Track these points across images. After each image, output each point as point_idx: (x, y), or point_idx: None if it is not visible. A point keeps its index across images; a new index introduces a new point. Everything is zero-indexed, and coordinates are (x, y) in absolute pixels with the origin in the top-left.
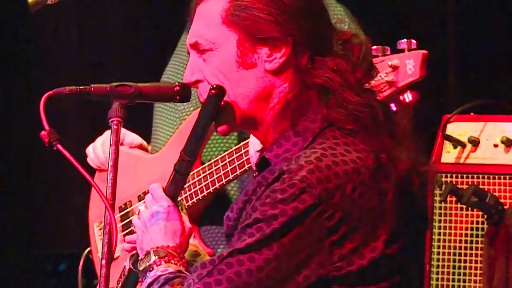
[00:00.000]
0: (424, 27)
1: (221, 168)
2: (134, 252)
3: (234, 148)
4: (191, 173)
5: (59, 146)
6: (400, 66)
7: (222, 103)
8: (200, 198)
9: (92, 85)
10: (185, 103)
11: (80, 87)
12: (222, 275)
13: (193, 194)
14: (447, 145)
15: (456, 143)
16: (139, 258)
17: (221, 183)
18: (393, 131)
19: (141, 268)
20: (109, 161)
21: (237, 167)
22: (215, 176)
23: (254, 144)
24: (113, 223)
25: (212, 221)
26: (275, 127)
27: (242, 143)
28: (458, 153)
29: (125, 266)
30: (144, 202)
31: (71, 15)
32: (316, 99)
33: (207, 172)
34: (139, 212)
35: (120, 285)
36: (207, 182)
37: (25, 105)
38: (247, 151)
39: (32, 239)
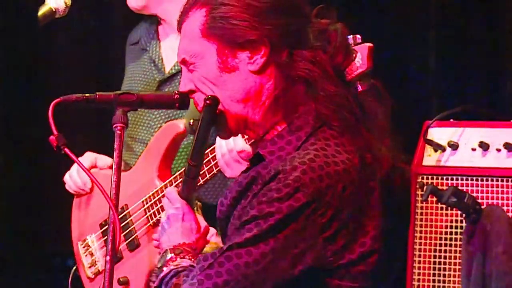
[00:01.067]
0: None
1: None
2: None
3: None
4: (160, 186)
5: (67, 150)
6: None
7: (218, 111)
8: None
9: (97, 93)
10: (157, 122)
11: (85, 94)
12: (222, 267)
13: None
14: (428, 149)
15: (437, 147)
16: (159, 257)
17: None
18: (370, 124)
19: (159, 265)
20: (113, 164)
21: (206, 172)
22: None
23: (220, 147)
24: (117, 222)
25: None
26: (266, 123)
27: (208, 150)
28: (439, 156)
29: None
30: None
31: (78, 28)
32: (303, 92)
33: (179, 180)
34: (158, 210)
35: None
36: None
37: (37, 110)
38: (214, 156)
39: (40, 236)
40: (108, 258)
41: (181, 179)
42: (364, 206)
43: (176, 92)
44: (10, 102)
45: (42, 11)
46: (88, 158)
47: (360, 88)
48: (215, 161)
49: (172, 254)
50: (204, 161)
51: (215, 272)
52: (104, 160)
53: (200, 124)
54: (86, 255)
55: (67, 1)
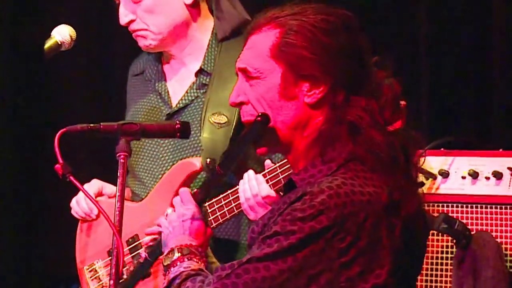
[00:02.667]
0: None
1: (210, 214)
2: (152, 243)
3: (222, 196)
4: None
5: (72, 178)
6: None
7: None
8: None
9: (101, 124)
10: (164, 153)
11: (90, 125)
12: (239, 279)
13: None
14: (420, 177)
15: (428, 175)
16: (164, 254)
17: (211, 226)
18: (411, 173)
19: (165, 264)
20: (116, 191)
21: (226, 212)
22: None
23: (244, 191)
24: (120, 247)
25: None
26: (306, 154)
27: (229, 191)
28: (430, 184)
29: (140, 253)
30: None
31: (82, 60)
32: (346, 133)
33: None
34: (166, 213)
35: (131, 268)
36: None
37: (44, 140)
38: (235, 198)
39: (44, 261)
40: (112, 282)
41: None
42: (384, 240)
43: (178, 121)
44: (16, 128)
45: (48, 44)
46: (95, 185)
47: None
48: (236, 203)
49: (179, 254)
50: (224, 202)
51: (232, 282)
52: (110, 187)
53: (243, 136)
54: (92, 280)
55: (73, 35)
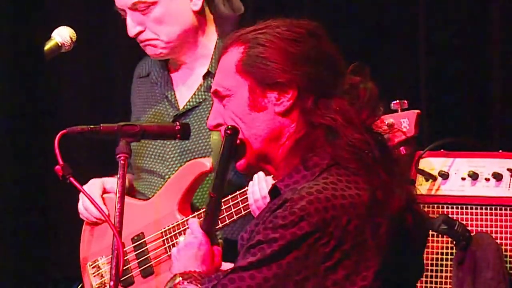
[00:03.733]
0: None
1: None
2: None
3: (230, 196)
4: (182, 220)
5: (72, 179)
6: (396, 124)
7: (238, 141)
8: None
9: (101, 125)
10: (171, 155)
11: (90, 126)
12: None
13: None
14: (420, 178)
15: (428, 176)
16: (168, 279)
17: (217, 226)
18: (391, 168)
19: (167, 287)
20: (116, 192)
21: (233, 213)
22: None
23: (253, 193)
24: (120, 248)
25: None
26: (286, 163)
27: (238, 192)
28: (430, 185)
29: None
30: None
31: (83, 61)
32: (323, 138)
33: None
34: (177, 242)
35: (135, 265)
36: None
37: (43, 140)
38: (244, 199)
39: (46, 261)
40: (112, 283)
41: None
42: (369, 241)
43: (178, 123)
44: (17, 131)
45: (48, 45)
46: (96, 185)
47: (403, 152)
48: (244, 204)
49: (180, 278)
50: (232, 203)
51: None
52: (110, 182)
53: (221, 155)
54: (95, 276)
55: (73, 36)
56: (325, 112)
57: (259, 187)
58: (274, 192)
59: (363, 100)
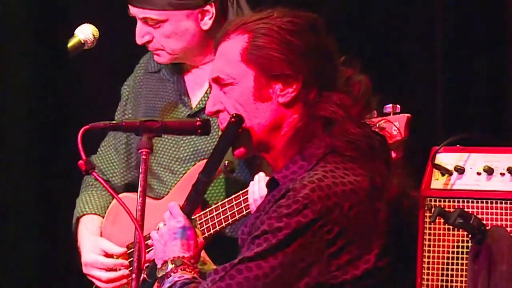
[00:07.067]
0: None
1: (221, 213)
2: (149, 264)
3: (233, 196)
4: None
5: (95, 174)
6: (387, 128)
7: (240, 130)
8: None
9: (123, 121)
10: (185, 153)
11: (112, 122)
12: (233, 280)
13: None
14: (436, 173)
15: (444, 171)
16: (157, 267)
17: (221, 226)
18: (388, 159)
19: (159, 275)
20: (138, 187)
21: (236, 212)
22: (216, 220)
23: (253, 193)
24: (142, 241)
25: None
26: (285, 153)
27: (240, 192)
28: (446, 180)
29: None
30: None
31: (105, 60)
32: (321, 129)
33: (208, 216)
34: (158, 227)
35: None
36: (208, 225)
37: (66, 137)
38: (246, 199)
39: (63, 272)
40: (134, 276)
41: (212, 214)
42: (370, 225)
43: (198, 119)
44: (38, 126)
45: (71, 43)
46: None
47: (393, 155)
48: (245, 204)
49: (173, 266)
50: (235, 202)
51: (226, 284)
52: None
53: (219, 141)
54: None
55: (95, 34)
56: (327, 105)
57: (259, 187)
58: (272, 184)
59: (358, 92)
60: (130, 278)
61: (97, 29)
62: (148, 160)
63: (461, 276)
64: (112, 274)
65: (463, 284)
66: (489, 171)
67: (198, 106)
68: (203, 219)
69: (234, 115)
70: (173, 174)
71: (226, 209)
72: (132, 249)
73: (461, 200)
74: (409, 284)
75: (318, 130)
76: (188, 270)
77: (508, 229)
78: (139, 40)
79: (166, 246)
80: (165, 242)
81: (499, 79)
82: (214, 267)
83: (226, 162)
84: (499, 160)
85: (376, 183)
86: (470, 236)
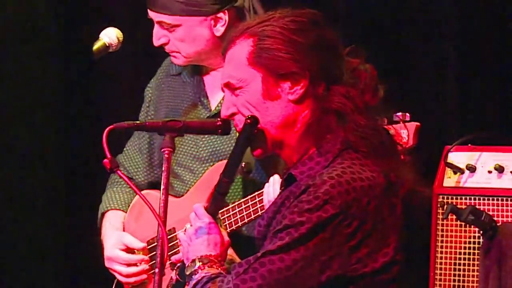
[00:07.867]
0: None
1: (237, 213)
2: (179, 264)
3: (249, 197)
4: None
5: (119, 172)
6: (395, 135)
7: (256, 130)
8: None
9: (146, 121)
10: (204, 153)
11: (136, 122)
12: (256, 273)
13: None
14: (448, 171)
15: (456, 169)
16: (186, 265)
17: (237, 225)
18: (397, 152)
19: (187, 273)
20: (161, 185)
21: (251, 212)
22: (232, 219)
23: (268, 194)
24: (165, 237)
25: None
26: (299, 148)
27: (256, 193)
28: (458, 178)
29: (171, 277)
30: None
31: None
32: (334, 123)
33: (225, 215)
34: (185, 229)
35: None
36: (224, 224)
37: (91, 136)
38: (261, 199)
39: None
40: (156, 270)
41: (228, 214)
42: (387, 220)
43: (219, 119)
44: (63, 125)
45: (96, 46)
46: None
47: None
48: (261, 204)
49: (200, 263)
50: (251, 203)
51: (250, 277)
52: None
53: (237, 142)
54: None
55: (120, 37)
56: (336, 98)
57: (274, 188)
58: (288, 179)
59: (364, 81)
60: (150, 272)
61: (121, 33)
62: (171, 159)
63: (473, 271)
64: (132, 269)
65: (475, 279)
66: (500, 169)
67: (217, 108)
68: (220, 218)
69: (249, 116)
70: (193, 173)
71: (242, 209)
72: (153, 244)
73: (472, 197)
74: (415, 278)
75: (332, 124)
76: (215, 267)
77: None
78: (156, 42)
79: (193, 246)
80: (192, 242)
81: (510, 79)
82: None
83: (244, 163)
84: (510, 158)
85: (391, 179)
86: (481, 232)
